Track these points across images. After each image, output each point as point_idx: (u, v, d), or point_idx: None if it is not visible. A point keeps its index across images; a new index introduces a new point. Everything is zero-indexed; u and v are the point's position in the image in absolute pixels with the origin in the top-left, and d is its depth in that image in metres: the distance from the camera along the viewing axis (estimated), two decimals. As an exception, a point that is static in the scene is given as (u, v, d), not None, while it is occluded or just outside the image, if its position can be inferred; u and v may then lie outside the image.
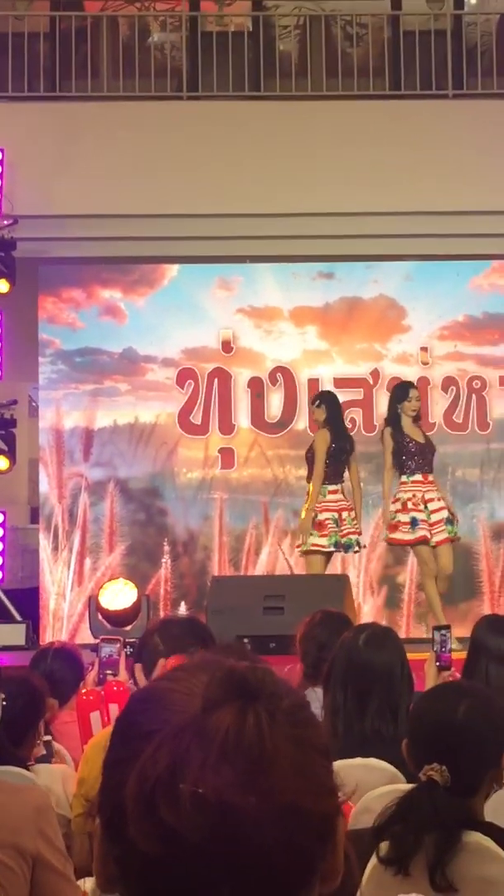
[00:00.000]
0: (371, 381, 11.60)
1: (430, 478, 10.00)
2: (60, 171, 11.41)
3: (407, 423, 10.07)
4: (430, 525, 9.84)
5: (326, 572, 9.96)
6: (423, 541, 9.88)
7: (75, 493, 11.63)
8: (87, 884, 3.11)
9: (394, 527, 9.98)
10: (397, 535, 9.99)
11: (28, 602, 11.17)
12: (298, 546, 10.33)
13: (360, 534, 10.13)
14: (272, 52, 12.60)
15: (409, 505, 9.88)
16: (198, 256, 11.91)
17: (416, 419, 10.18)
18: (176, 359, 11.73)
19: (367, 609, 11.18)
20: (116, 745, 1.10)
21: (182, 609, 11.31)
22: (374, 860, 2.66)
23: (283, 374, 11.65)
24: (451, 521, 9.96)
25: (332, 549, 9.93)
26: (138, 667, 3.86)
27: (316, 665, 4.86)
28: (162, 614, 10.98)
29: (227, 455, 11.61)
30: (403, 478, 9.97)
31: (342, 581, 8.75)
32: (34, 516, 12.54)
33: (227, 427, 11.60)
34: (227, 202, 11.44)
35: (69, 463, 11.68)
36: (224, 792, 1.01)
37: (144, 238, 11.77)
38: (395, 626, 10.43)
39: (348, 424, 11.22)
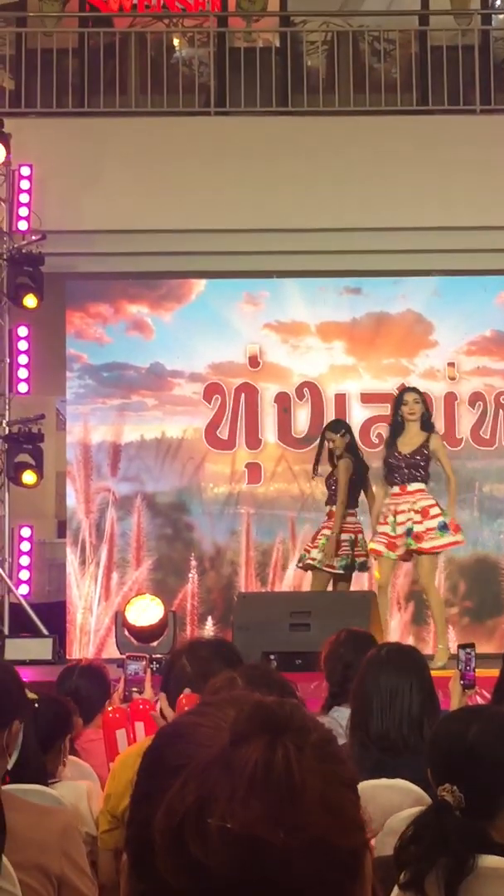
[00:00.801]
0: (398, 397, 11.57)
1: (411, 487, 9.57)
2: (88, 187, 11.46)
3: (412, 429, 9.78)
4: (394, 537, 9.56)
5: (352, 589, 9.93)
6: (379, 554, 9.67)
7: (103, 507, 11.66)
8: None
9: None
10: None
11: (55, 616, 11.19)
12: (301, 563, 10.14)
13: (366, 556, 9.96)
14: (300, 68, 12.62)
15: (381, 519, 9.70)
16: (225, 271, 11.94)
17: (425, 424, 9.74)
18: (203, 373, 11.75)
19: (394, 625, 11.15)
20: (144, 781, 1.10)
21: (209, 624, 11.32)
22: (396, 890, 2.65)
23: (310, 389, 11.66)
24: (409, 532, 9.57)
25: (340, 570, 9.84)
26: (163, 696, 3.85)
27: (342, 684, 4.85)
28: (189, 629, 10.99)
29: (253, 470, 11.62)
30: (394, 489, 9.75)
31: (368, 597, 8.73)
32: (61, 530, 12.57)
33: (253, 442, 11.61)
34: (254, 217, 11.46)
35: (96, 477, 11.71)
36: (252, 826, 1.01)
37: (171, 253, 11.80)
38: (421, 642, 10.43)
39: (374, 440, 11.21)
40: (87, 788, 4.34)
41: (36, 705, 2.77)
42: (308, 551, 9.97)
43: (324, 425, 11.32)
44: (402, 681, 3.87)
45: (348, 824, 1.05)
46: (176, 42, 13.08)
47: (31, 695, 2.73)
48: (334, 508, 9.90)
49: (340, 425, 10.39)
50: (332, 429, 10.32)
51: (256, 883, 1.00)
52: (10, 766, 2.65)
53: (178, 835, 1.02)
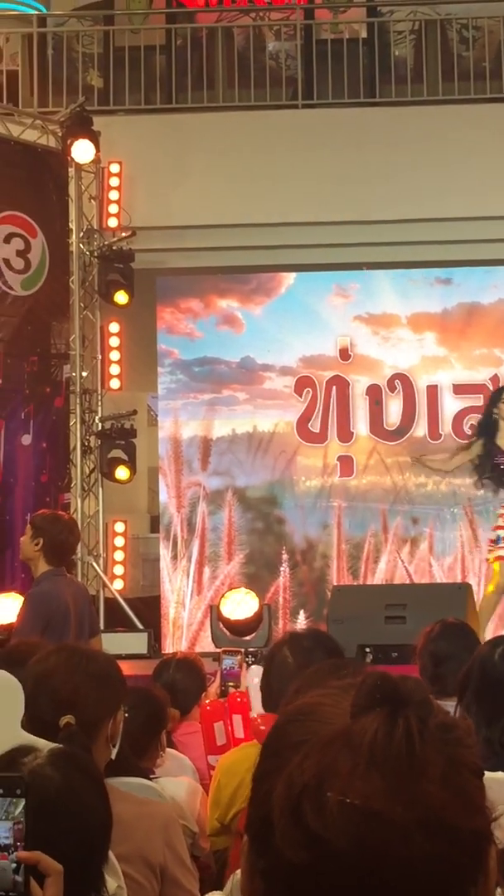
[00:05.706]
0: (490, 387, 11.48)
1: None
2: (177, 183, 11.49)
3: None
4: None
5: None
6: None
7: (194, 501, 11.68)
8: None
9: (492, 542, 9.83)
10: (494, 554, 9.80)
11: (150, 611, 11.24)
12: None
13: None
14: (387, 58, 12.55)
15: (501, 521, 9.71)
16: (315, 264, 11.90)
17: None
18: (294, 367, 11.73)
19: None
20: (266, 758, 1.09)
21: (301, 618, 11.29)
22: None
23: (401, 381, 11.59)
24: None
25: None
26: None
27: (433, 680, 4.76)
28: (281, 623, 10.98)
29: (345, 463, 11.57)
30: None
31: (464, 589, 8.64)
32: (154, 525, 12.63)
33: (345, 435, 11.57)
34: (343, 210, 11.42)
35: (188, 472, 11.74)
36: (371, 799, 0.99)
37: (261, 247, 11.80)
38: (517, 635, 10.29)
39: (467, 431, 11.13)
40: (187, 785, 4.34)
41: (126, 715, 2.76)
42: None
43: (416, 417, 11.28)
44: None
45: (469, 805, 1.02)
46: (263, 36, 13.07)
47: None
48: None
49: None
50: None
51: (375, 857, 0.98)
52: (113, 756, 2.65)
53: (297, 808, 1.01)
